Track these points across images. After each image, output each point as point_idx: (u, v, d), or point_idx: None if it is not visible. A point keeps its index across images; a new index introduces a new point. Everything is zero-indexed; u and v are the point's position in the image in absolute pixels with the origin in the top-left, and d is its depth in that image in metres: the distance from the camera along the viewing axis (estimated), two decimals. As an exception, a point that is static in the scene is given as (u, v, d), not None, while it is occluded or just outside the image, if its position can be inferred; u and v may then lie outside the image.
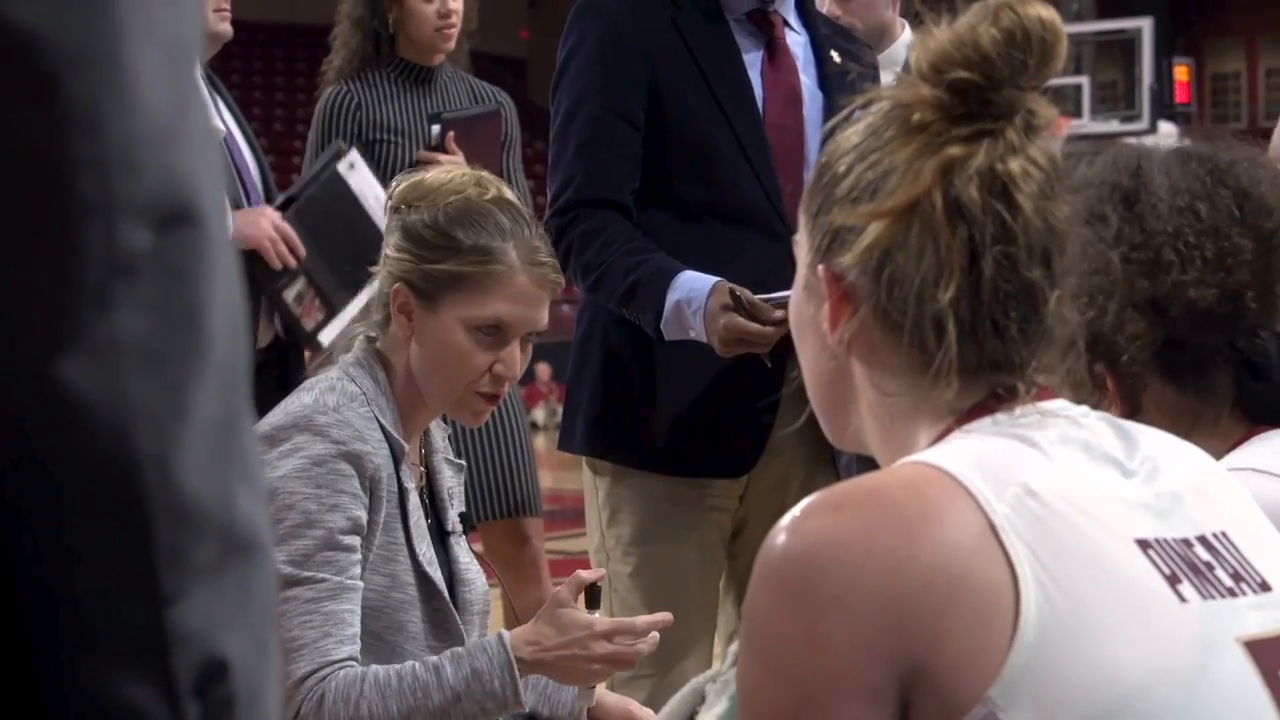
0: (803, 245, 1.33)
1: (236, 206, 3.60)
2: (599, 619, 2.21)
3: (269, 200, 3.73)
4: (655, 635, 2.23)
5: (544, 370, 21.62)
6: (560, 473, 4.18)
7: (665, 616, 2.23)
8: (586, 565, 2.79)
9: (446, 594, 2.26)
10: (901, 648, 1.12)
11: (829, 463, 3.01)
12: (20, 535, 0.69)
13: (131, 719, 0.69)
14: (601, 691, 2.39)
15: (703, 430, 2.92)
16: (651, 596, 2.85)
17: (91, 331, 0.68)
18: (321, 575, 2.11)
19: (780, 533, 1.17)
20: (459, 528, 2.37)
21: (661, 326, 2.80)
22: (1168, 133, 13.65)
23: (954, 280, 1.21)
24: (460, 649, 2.19)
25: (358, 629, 2.15)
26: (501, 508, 4.00)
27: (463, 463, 2.42)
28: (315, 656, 2.10)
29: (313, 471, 2.13)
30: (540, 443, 3.69)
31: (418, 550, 2.23)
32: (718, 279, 2.75)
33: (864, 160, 1.26)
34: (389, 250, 2.30)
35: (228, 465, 0.71)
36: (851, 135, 1.29)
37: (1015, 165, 1.22)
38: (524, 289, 2.26)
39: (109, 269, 0.68)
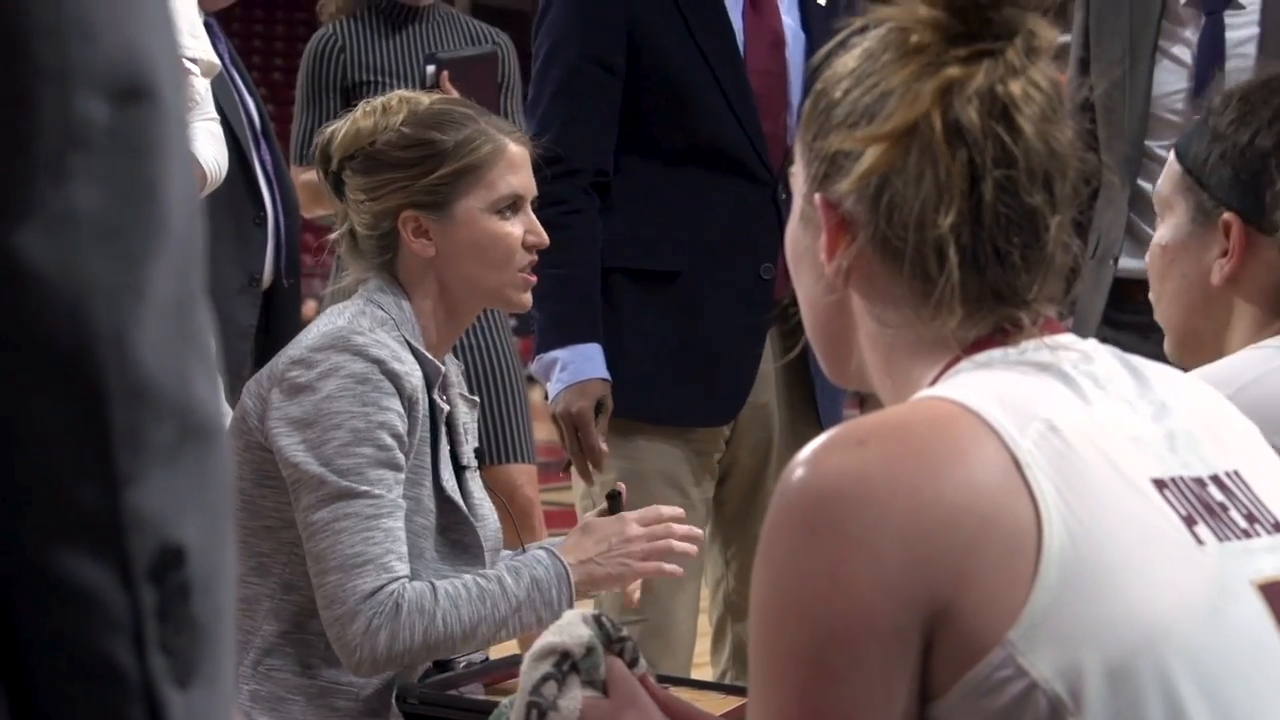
0: (798, 175, 1.29)
1: (238, 144, 3.61)
2: (626, 514, 2.29)
3: (266, 142, 3.72)
4: (691, 530, 2.34)
5: (540, 325, 21.43)
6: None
7: (678, 511, 2.34)
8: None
9: (471, 519, 2.26)
10: (926, 589, 1.08)
11: (812, 409, 3.00)
12: None
13: (86, 602, 0.68)
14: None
15: (685, 379, 2.91)
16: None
17: (47, 203, 0.66)
18: (378, 491, 2.12)
19: (800, 466, 1.13)
20: (474, 463, 2.37)
21: (540, 355, 2.85)
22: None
23: (954, 205, 1.18)
24: (512, 562, 2.23)
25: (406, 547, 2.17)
26: (491, 454, 3.97)
27: (476, 399, 2.41)
28: (381, 572, 2.11)
29: (356, 389, 2.13)
30: (536, 394, 3.74)
31: (442, 476, 2.24)
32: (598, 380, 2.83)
33: (860, 84, 1.23)
34: (361, 195, 2.27)
35: (184, 346, 0.69)
36: (848, 60, 1.26)
37: (1016, 87, 1.19)
38: (516, 156, 2.30)
39: (65, 139, 0.66)
